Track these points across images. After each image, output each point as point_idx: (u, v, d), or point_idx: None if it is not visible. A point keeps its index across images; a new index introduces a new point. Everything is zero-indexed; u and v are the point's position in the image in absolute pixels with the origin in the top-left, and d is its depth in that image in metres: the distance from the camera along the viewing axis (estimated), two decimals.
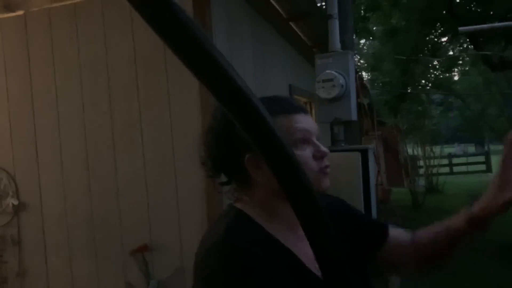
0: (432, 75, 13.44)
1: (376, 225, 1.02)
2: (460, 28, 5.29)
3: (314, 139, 0.86)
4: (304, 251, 0.79)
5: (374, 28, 11.89)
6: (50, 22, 2.34)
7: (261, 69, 2.90)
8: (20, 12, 2.39)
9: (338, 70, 2.14)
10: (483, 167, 18.28)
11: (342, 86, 2.12)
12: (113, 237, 2.23)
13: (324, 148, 0.85)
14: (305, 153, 0.83)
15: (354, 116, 2.21)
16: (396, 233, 0.99)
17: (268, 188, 0.83)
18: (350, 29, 3.02)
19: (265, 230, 0.82)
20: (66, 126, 2.33)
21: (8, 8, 2.37)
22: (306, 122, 0.86)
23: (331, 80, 2.13)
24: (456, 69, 15.33)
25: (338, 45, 2.36)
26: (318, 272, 0.77)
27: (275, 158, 0.39)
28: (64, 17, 2.31)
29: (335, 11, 2.38)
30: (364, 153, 2.07)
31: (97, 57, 2.25)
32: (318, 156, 0.85)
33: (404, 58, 8.49)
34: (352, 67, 2.22)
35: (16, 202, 2.40)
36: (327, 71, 2.15)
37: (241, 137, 0.79)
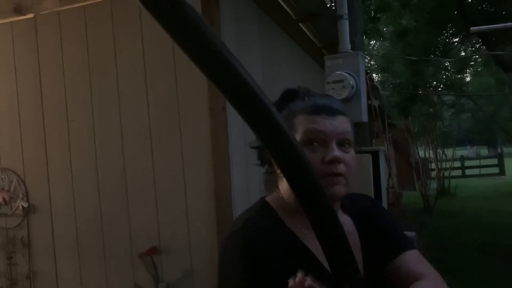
0: (444, 76, 13.30)
1: (393, 241, 0.91)
2: (472, 28, 5.21)
3: (331, 143, 0.83)
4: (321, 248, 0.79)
5: (384, 29, 11.80)
6: (59, 25, 2.35)
7: (269, 70, 2.88)
8: (30, 15, 2.41)
9: (348, 71, 2.12)
10: (496, 169, 18.01)
11: (352, 87, 2.09)
12: (122, 239, 2.22)
13: (335, 153, 0.82)
14: (312, 156, 0.81)
15: (364, 118, 2.18)
16: (412, 264, 0.86)
17: None
18: (360, 29, 2.99)
19: (284, 225, 0.83)
20: (75, 128, 2.33)
21: (18, 11, 2.39)
22: (324, 123, 0.83)
23: (341, 81, 2.10)
24: (468, 70, 15.14)
25: (348, 46, 2.33)
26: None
27: (280, 156, 0.39)
28: (73, 19, 2.32)
29: (345, 11, 2.36)
30: (375, 155, 2.03)
31: (106, 59, 2.26)
32: (326, 160, 0.82)
33: (415, 59, 8.40)
34: (362, 68, 2.19)
35: (26, 205, 2.41)
36: (337, 72, 2.12)
37: None
